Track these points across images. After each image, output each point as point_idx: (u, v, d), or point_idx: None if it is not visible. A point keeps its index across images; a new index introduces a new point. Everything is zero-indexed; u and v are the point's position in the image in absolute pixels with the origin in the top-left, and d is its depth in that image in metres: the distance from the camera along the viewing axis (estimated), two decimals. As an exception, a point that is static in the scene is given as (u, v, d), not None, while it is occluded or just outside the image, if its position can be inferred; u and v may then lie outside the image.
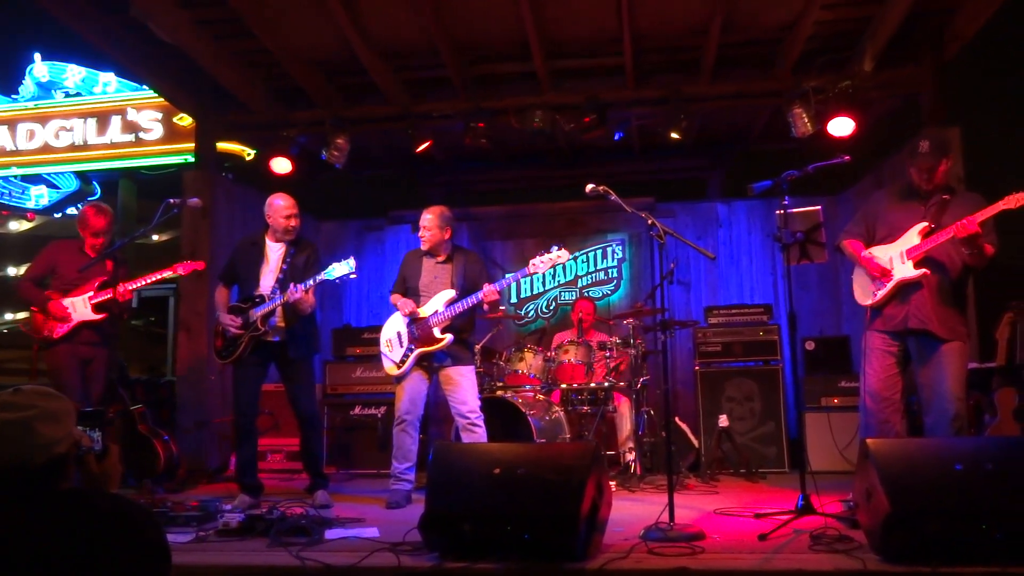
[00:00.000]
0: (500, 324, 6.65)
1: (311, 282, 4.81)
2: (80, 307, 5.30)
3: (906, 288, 4.20)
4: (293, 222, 5.04)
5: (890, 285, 4.21)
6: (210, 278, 6.87)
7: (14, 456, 1.77)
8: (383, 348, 5.23)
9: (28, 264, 5.61)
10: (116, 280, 5.26)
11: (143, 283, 5.40)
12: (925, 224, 4.17)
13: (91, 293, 5.32)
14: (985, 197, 4.08)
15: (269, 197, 5.11)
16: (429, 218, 5.20)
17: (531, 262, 4.99)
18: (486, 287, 4.97)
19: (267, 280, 4.98)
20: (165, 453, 5.87)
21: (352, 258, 4.85)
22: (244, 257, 5.11)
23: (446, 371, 5.12)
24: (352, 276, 4.83)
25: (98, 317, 5.35)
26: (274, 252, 5.07)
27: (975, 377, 5.54)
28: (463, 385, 5.10)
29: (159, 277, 5.38)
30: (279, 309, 4.90)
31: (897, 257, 4.23)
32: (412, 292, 5.24)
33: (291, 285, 4.76)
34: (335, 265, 4.82)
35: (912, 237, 4.18)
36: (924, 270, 4.12)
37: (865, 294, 4.35)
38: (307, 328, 5.10)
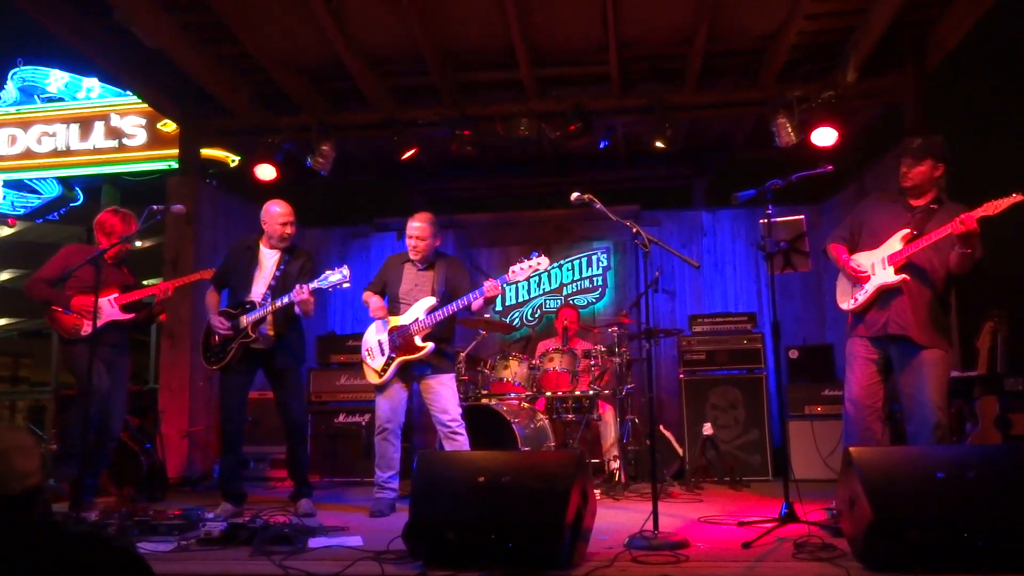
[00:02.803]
0: (485, 332, 6.63)
1: (309, 286, 4.78)
2: (107, 307, 5.09)
3: (887, 294, 4.22)
4: (289, 229, 5.02)
5: (871, 290, 4.24)
6: (192, 286, 6.84)
7: None
8: (364, 356, 5.19)
9: (7, 271, 5.38)
10: (132, 285, 5.19)
11: (175, 286, 5.29)
12: (908, 231, 4.20)
13: (115, 295, 5.14)
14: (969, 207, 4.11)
15: (266, 203, 5.08)
16: (420, 226, 5.07)
17: (511, 269, 4.90)
18: (487, 283, 4.86)
19: (259, 287, 4.96)
20: (147, 461, 5.82)
21: (345, 267, 4.81)
22: (237, 262, 5.08)
23: (427, 380, 5.08)
24: (345, 285, 4.80)
25: (126, 317, 5.20)
26: (268, 258, 5.04)
27: (957, 385, 5.57)
28: (443, 394, 5.07)
29: (187, 281, 5.37)
30: (269, 317, 4.87)
31: (879, 263, 4.25)
32: (392, 300, 5.19)
33: (297, 285, 4.74)
34: (328, 273, 4.78)
35: (894, 243, 4.21)
36: (904, 276, 4.14)
37: (846, 299, 4.37)
38: (296, 337, 5.08)
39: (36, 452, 1.97)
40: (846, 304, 4.37)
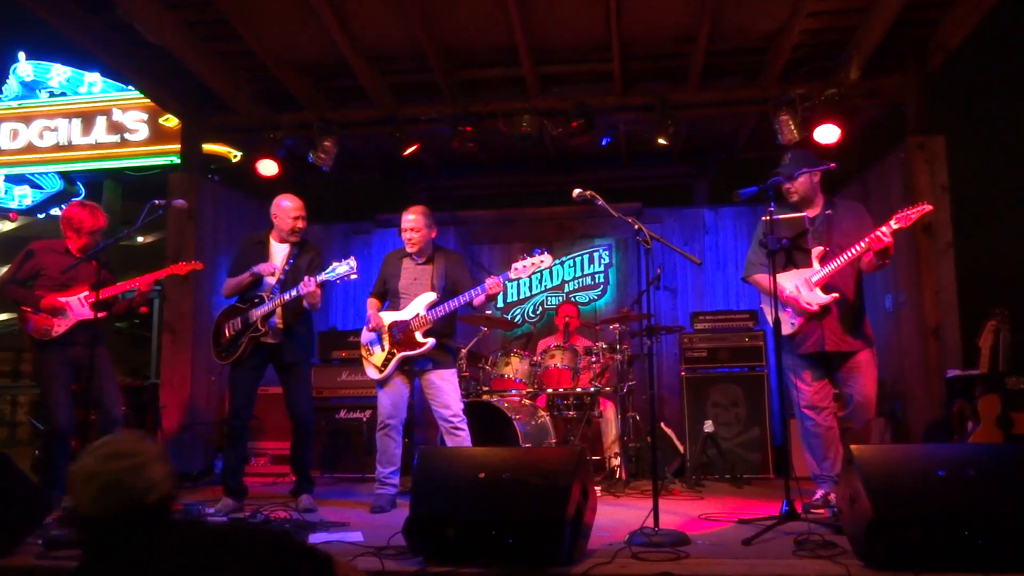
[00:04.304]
0: (486, 328, 6.63)
1: (317, 279, 4.79)
2: (76, 306, 4.92)
3: (817, 312, 4.33)
4: (300, 223, 5.05)
5: (809, 311, 4.34)
6: (194, 281, 6.85)
7: (129, 499, 1.95)
8: (363, 352, 5.19)
9: (7, 266, 5.22)
10: (107, 280, 4.93)
11: (143, 282, 5.04)
12: (820, 248, 4.32)
13: (85, 293, 4.93)
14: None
15: (276, 198, 5.11)
16: (414, 218, 5.09)
17: (513, 266, 4.89)
18: (489, 280, 4.87)
19: (268, 280, 4.97)
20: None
21: (352, 258, 4.82)
22: (248, 256, 5.10)
23: (428, 376, 5.08)
24: (352, 276, 4.80)
25: (98, 316, 4.91)
26: (278, 252, 5.07)
27: (959, 384, 5.59)
28: (445, 389, 5.06)
29: (158, 276, 5.15)
30: (279, 310, 4.89)
31: (803, 284, 4.34)
32: (392, 294, 5.20)
33: (305, 278, 4.76)
34: (335, 265, 4.79)
35: (813, 263, 4.33)
36: (834, 295, 4.27)
37: (784, 323, 4.38)
38: (304, 331, 5.10)
39: (166, 458, 2.06)
40: (785, 329, 4.38)
